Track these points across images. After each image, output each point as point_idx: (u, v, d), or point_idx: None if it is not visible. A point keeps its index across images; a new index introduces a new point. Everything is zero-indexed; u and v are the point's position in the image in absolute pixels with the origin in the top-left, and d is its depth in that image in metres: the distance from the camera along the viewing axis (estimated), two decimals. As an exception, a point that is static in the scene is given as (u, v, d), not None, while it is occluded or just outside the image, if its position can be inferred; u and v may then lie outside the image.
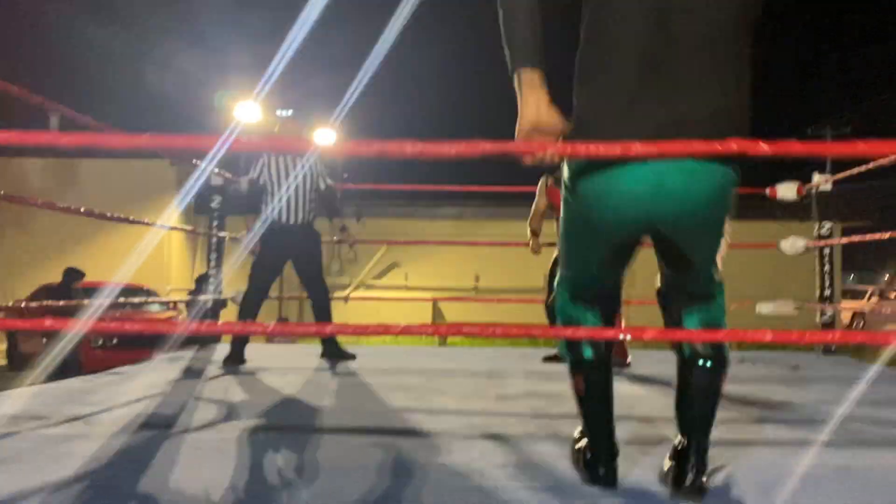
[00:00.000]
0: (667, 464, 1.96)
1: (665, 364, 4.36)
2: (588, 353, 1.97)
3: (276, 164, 4.64)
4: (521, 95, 1.69)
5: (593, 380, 1.99)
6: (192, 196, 14.67)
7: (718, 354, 1.91)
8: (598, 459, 1.98)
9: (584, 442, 2.07)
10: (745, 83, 1.73)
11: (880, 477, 2.14)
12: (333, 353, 4.62)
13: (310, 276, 4.72)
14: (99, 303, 4.34)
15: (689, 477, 1.84)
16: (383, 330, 1.84)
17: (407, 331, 1.82)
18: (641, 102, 1.67)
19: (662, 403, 3.25)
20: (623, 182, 1.71)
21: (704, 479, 1.86)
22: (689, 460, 1.86)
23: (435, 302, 9.33)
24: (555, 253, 2.83)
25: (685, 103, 1.67)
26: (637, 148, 1.64)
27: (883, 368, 4.49)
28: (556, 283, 2.09)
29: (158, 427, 2.69)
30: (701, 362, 1.90)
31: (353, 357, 4.59)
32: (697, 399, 1.92)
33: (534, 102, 1.67)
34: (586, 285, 2.00)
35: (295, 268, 4.74)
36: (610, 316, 2.05)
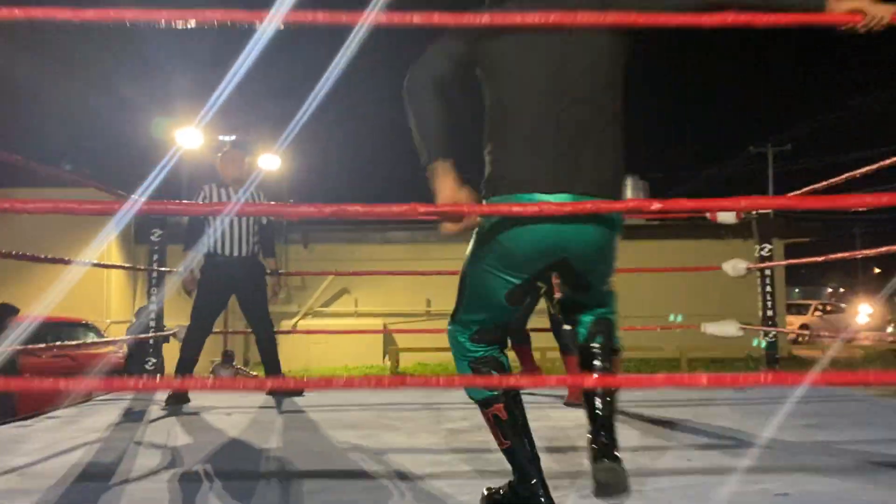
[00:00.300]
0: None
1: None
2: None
3: (217, 194, 4.56)
4: (437, 181, 1.90)
5: (508, 411, 2.07)
6: (122, 227, 14.38)
7: (609, 339, 2.12)
8: (534, 491, 2.02)
9: (505, 486, 2.14)
10: (621, 151, 2.02)
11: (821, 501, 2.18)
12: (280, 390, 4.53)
13: (255, 311, 4.62)
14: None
15: (604, 450, 1.94)
16: (325, 384, 1.80)
17: (349, 384, 1.78)
18: (544, 170, 1.94)
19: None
20: (533, 233, 1.95)
21: (617, 452, 1.93)
22: (599, 437, 1.96)
23: (386, 328, 9.24)
24: None
25: (582, 171, 1.93)
26: (549, 208, 1.85)
27: (818, 388, 4.61)
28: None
29: (97, 477, 2.59)
30: (595, 346, 2.09)
31: (300, 393, 4.51)
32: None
33: (449, 186, 1.89)
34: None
35: (239, 302, 4.64)
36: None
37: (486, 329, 2.13)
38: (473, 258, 2.09)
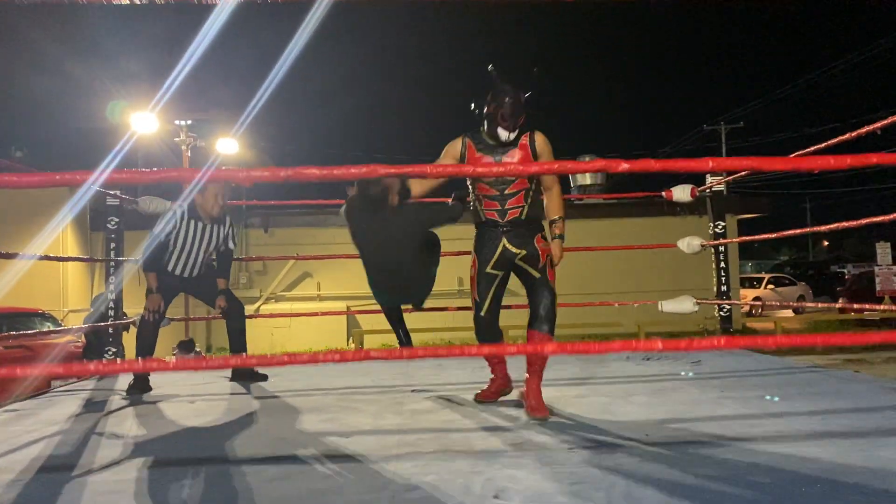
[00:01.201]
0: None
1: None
2: None
3: (190, 227, 4.36)
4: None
5: None
6: (76, 214, 14.06)
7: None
8: None
9: None
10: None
11: (774, 472, 2.26)
12: (244, 374, 4.51)
13: (216, 295, 4.56)
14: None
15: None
16: (288, 360, 1.81)
17: (314, 359, 1.79)
18: None
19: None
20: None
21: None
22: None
23: (349, 311, 9.22)
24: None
25: None
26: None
27: (776, 359, 4.75)
28: None
29: (59, 470, 2.57)
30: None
31: (265, 378, 4.50)
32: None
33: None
34: None
35: (199, 297, 4.59)
36: None
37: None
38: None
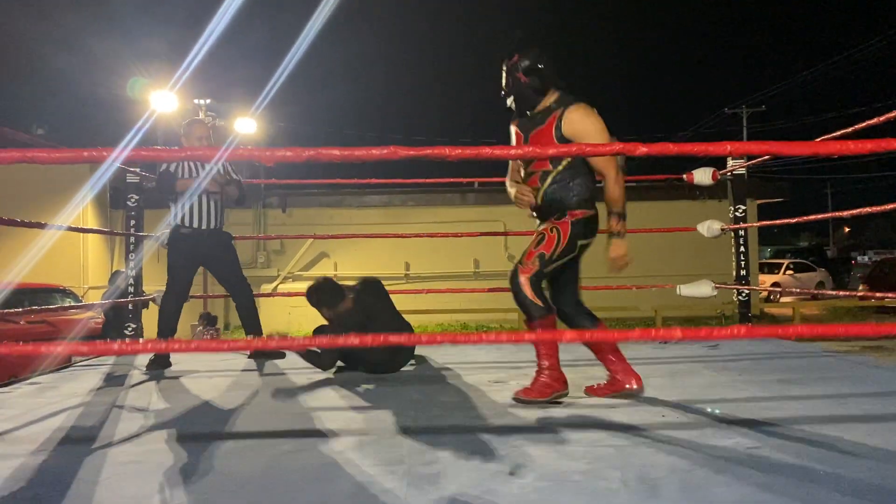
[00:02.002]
0: None
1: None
2: None
3: (185, 167, 4.48)
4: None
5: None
6: (97, 193, 14.18)
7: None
8: None
9: None
10: None
11: (791, 456, 2.26)
12: (261, 352, 4.56)
13: (229, 278, 4.62)
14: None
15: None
16: (309, 342, 1.82)
17: (333, 342, 1.81)
18: None
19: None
20: None
21: None
22: None
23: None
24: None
25: None
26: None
27: (794, 344, 4.72)
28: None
29: (80, 441, 2.62)
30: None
31: (282, 356, 4.54)
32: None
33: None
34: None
35: (212, 273, 4.65)
36: None
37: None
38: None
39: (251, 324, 4.59)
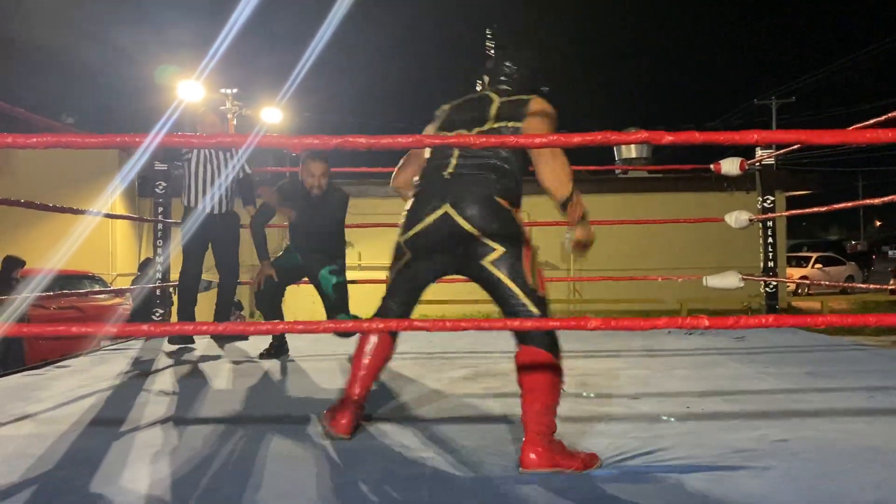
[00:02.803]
0: None
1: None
2: None
3: (199, 154, 4.56)
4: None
5: None
6: (128, 182, 14.35)
7: None
8: None
9: None
10: None
11: (818, 448, 2.23)
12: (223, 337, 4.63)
13: (224, 259, 4.71)
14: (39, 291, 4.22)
15: None
16: (334, 326, 1.84)
17: (358, 327, 1.82)
18: None
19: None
20: None
21: None
22: None
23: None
24: None
25: None
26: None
27: (824, 337, 4.67)
28: None
29: (109, 424, 2.66)
30: None
31: (245, 338, 4.72)
32: None
33: None
34: None
35: (213, 251, 4.73)
36: None
37: None
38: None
39: (223, 302, 4.73)
